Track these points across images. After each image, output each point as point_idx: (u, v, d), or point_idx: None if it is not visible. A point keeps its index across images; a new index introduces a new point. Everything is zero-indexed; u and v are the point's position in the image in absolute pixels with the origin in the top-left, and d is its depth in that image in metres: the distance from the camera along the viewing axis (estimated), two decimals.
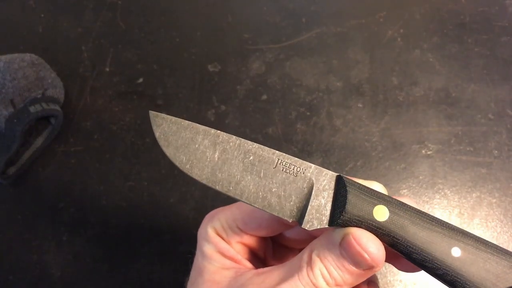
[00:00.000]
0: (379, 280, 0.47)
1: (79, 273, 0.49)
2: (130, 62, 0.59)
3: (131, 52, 0.59)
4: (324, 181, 0.27)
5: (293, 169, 0.27)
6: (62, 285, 0.48)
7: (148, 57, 0.59)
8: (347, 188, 0.26)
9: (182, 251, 0.50)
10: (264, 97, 0.56)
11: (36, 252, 0.49)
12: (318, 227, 0.26)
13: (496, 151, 0.52)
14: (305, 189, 0.27)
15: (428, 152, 0.52)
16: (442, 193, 0.50)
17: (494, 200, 0.50)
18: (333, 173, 0.27)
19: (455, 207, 0.50)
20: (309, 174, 0.27)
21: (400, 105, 0.55)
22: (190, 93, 0.57)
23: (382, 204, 0.26)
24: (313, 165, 0.27)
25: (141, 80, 0.58)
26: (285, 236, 0.34)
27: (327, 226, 0.26)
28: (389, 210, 0.26)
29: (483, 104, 0.55)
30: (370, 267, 0.26)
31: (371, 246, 0.25)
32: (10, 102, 0.50)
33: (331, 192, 0.27)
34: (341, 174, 0.27)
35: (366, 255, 0.25)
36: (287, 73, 0.57)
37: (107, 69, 0.58)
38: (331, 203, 0.26)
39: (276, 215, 0.27)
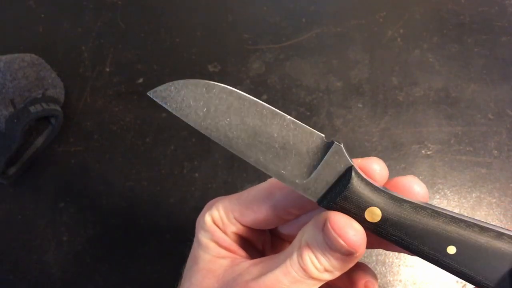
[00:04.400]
0: (379, 280, 0.47)
1: (79, 273, 0.49)
2: (130, 62, 0.59)
3: (131, 52, 0.59)
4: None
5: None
6: (62, 285, 0.48)
7: (148, 57, 0.59)
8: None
9: (182, 251, 0.50)
10: (264, 97, 0.56)
11: (36, 252, 0.49)
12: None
13: (496, 151, 0.52)
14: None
15: (428, 152, 0.52)
16: (442, 193, 0.50)
17: (494, 200, 0.50)
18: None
19: (455, 207, 0.50)
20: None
21: (400, 105, 0.55)
22: None
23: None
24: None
25: (141, 80, 0.58)
26: (280, 232, 0.34)
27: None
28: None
29: (483, 104, 0.55)
30: (349, 253, 0.25)
31: (348, 232, 0.24)
32: (10, 102, 0.50)
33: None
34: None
35: (341, 241, 0.24)
36: (287, 73, 0.57)
37: (107, 69, 0.58)
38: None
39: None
